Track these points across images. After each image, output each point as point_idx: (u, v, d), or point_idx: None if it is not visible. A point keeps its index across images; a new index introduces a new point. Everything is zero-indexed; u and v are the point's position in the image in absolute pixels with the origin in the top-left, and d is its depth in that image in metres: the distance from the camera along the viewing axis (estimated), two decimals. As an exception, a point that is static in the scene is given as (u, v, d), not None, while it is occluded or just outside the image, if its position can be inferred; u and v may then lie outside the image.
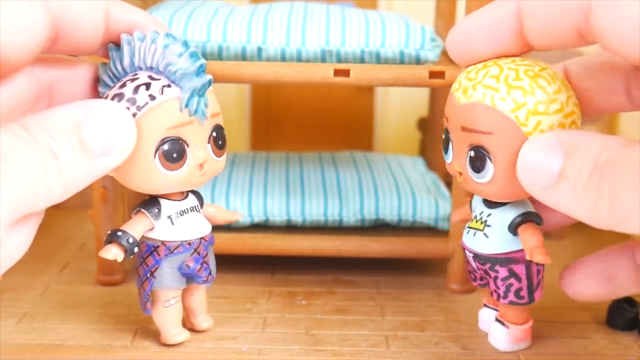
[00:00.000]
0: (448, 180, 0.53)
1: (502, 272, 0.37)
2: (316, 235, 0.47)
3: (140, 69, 0.34)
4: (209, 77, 0.35)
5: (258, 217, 0.49)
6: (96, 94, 0.35)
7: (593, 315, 0.43)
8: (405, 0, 0.68)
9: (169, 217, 0.37)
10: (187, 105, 0.34)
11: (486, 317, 0.41)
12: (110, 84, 0.35)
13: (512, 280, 0.37)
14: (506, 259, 0.37)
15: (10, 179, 0.26)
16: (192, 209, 0.38)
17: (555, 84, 0.33)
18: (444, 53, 0.48)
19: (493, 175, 0.33)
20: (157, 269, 0.37)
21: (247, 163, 0.54)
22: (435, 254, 0.47)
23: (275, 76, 0.43)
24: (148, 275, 0.37)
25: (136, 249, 0.36)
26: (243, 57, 0.44)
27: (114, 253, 0.35)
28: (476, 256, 0.37)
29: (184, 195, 0.38)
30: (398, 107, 0.72)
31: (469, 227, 0.38)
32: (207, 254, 0.38)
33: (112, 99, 0.33)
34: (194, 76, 0.34)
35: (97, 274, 0.46)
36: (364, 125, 0.73)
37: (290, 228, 0.49)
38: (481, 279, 0.39)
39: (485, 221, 0.37)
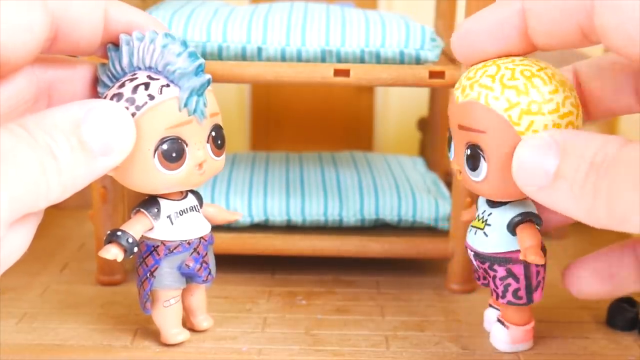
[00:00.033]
0: (448, 180, 0.53)
1: (500, 271, 0.37)
2: (316, 235, 0.47)
3: (139, 68, 0.34)
4: (208, 76, 0.35)
5: (258, 217, 0.49)
6: (95, 94, 0.35)
7: (593, 315, 0.43)
8: (405, 0, 0.68)
9: (169, 216, 0.37)
10: (186, 105, 0.34)
11: (490, 317, 0.41)
12: (109, 84, 0.35)
13: (510, 280, 0.37)
14: (504, 259, 0.37)
15: (10, 179, 0.26)
16: (192, 208, 0.38)
17: (552, 84, 0.33)
18: (444, 53, 0.48)
19: (487, 174, 0.33)
20: (156, 268, 0.37)
21: (247, 163, 0.54)
22: (435, 254, 0.47)
23: (275, 76, 0.43)
24: (148, 275, 0.37)
25: (136, 249, 0.36)
26: (243, 57, 0.44)
27: (113, 253, 0.36)
28: (476, 255, 0.37)
29: (183, 195, 0.38)
30: (398, 107, 0.72)
31: (471, 226, 0.38)
32: (206, 254, 0.38)
33: (111, 98, 0.33)
34: (193, 76, 0.34)
35: (97, 274, 0.46)
36: (364, 125, 0.73)
37: (290, 228, 0.49)
38: (484, 278, 0.39)
39: (486, 220, 0.37)
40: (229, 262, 0.46)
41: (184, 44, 0.34)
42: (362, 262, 0.49)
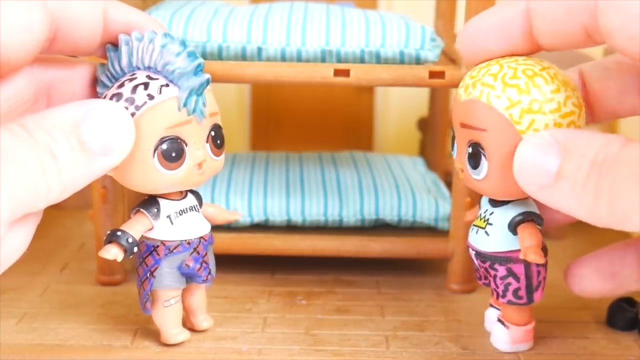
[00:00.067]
0: (448, 180, 0.53)
1: (501, 270, 0.37)
2: (316, 235, 0.47)
3: (139, 68, 0.34)
4: (207, 76, 0.35)
5: (258, 217, 0.49)
6: (95, 94, 0.35)
7: (593, 315, 0.43)
8: (405, 0, 0.68)
9: (168, 216, 0.37)
10: (185, 105, 0.34)
11: (491, 317, 0.41)
12: (109, 84, 0.35)
13: (510, 279, 0.37)
14: (505, 258, 0.37)
15: (10, 179, 0.26)
16: (191, 208, 0.38)
17: (554, 83, 0.33)
18: (444, 53, 0.48)
19: (487, 172, 0.34)
20: (156, 268, 0.37)
21: (247, 163, 0.54)
22: (435, 254, 0.47)
23: (275, 76, 0.43)
24: (148, 275, 0.37)
25: (136, 249, 0.36)
26: (243, 57, 0.44)
27: (113, 253, 0.35)
28: (478, 254, 0.38)
29: (183, 194, 0.38)
30: (398, 107, 0.72)
31: (473, 225, 0.38)
32: (206, 254, 0.38)
33: (111, 98, 0.33)
34: (192, 75, 0.34)
35: (97, 274, 0.46)
36: (364, 125, 0.73)
37: (290, 228, 0.49)
38: (485, 277, 0.39)
39: (488, 219, 0.37)
40: (229, 262, 0.46)
41: (183, 43, 0.34)
42: (362, 262, 0.49)
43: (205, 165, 0.36)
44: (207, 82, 0.35)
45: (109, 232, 0.36)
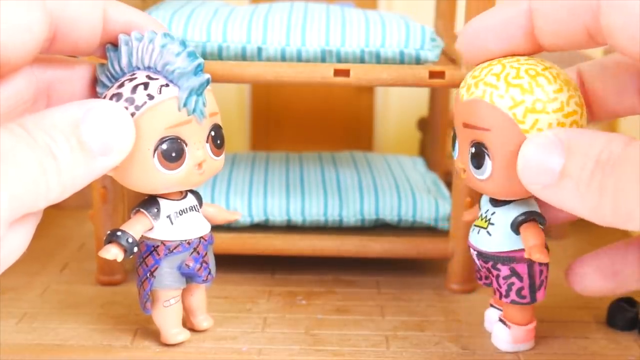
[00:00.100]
0: (448, 180, 0.53)
1: (504, 270, 0.37)
2: (316, 235, 0.47)
3: (138, 68, 0.34)
4: (207, 76, 0.35)
5: (258, 217, 0.49)
6: (94, 94, 0.35)
7: (593, 315, 0.43)
8: (405, 0, 0.68)
9: (168, 216, 0.37)
10: (185, 105, 0.34)
11: (492, 317, 0.41)
12: (108, 84, 0.35)
13: (513, 279, 0.37)
14: (508, 258, 0.37)
15: (10, 179, 0.26)
16: (191, 208, 0.38)
17: (557, 83, 0.33)
18: (444, 53, 0.48)
19: (491, 172, 0.33)
20: (156, 268, 0.37)
21: (247, 163, 0.54)
22: (435, 254, 0.47)
23: (275, 76, 0.42)
24: (148, 275, 0.37)
25: (136, 249, 0.36)
26: (243, 57, 0.44)
27: (113, 253, 0.36)
28: (480, 254, 0.38)
29: (183, 194, 0.38)
30: (398, 107, 0.72)
31: (474, 225, 0.38)
32: (206, 254, 0.38)
33: (111, 98, 0.33)
34: (192, 75, 0.34)
35: (97, 274, 0.46)
36: (364, 125, 0.73)
37: (290, 228, 0.49)
38: (486, 277, 0.39)
39: (489, 219, 0.37)
40: (229, 262, 0.46)
41: (183, 43, 0.34)
42: (362, 262, 0.49)
43: (205, 165, 0.36)
44: (207, 82, 0.35)
45: (109, 232, 0.36)
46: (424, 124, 0.66)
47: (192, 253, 0.37)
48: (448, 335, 0.41)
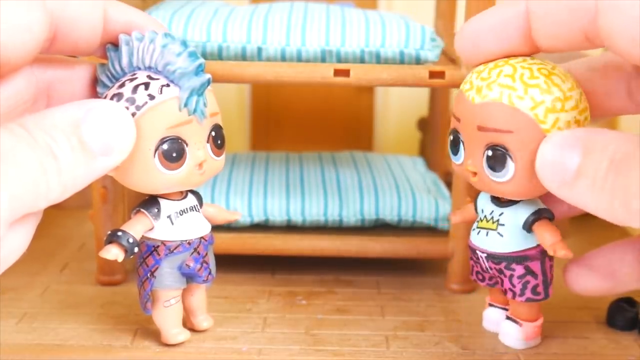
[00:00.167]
0: (448, 180, 0.53)
1: (519, 270, 0.37)
2: (316, 235, 0.47)
3: (139, 68, 0.34)
4: (208, 76, 0.35)
5: (258, 217, 0.49)
6: (94, 95, 0.35)
7: (593, 315, 0.43)
8: (405, 0, 0.68)
9: (169, 216, 0.37)
10: (186, 105, 0.34)
11: (492, 317, 0.41)
12: (109, 84, 0.35)
13: (528, 277, 0.37)
14: (523, 257, 0.37)
15: (10, 179, 0.26)
16: (192, 208, 0.38)
17: (569, 81, 0.33)
18: (444, 53, 0.48)
19: (514, 174, 0.33)
20: (157, 268, 0.37)
21: (247, 163, 0.54)
22: (435, 254, 0.47)
23: (275, 76, 0.42)
24: (148, 275, 0.37)
25: (136, 249, 0.36)
26: (243, 57, 0.44)
27: (114, 253, 0.36)
28: (490, 256, 0.37)
29: (183, 195, 0.38)
30: (398, 107, 0.72)
31: (479, 228, 0.38)
32: (206, 254, 0.38)
33: (111, 98, 0.33)
34: (193, 75, 0.34)
35: (97, 274, 0.46)
36: (364, 125, 0.73)
37: (290, 228, 0.49)
38: (490, 278, 0.39)
39: (498, 220, 0.37)
40: (229, 262, 0.46)
41: (184, 43, 0.34)
42: (362, 262, 0.49)
43: (205, 166, 0.36)
44: (208, 82, 0.35)
45: (109, 232, 0.36)
46: (424, 124, 0.66)
47: (192, 253, 0.37)
48: (448, 335, 0.41)
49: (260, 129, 0.73)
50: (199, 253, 0.38)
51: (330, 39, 0.44)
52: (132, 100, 0.33)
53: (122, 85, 0.34)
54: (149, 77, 0.34)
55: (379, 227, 0.50)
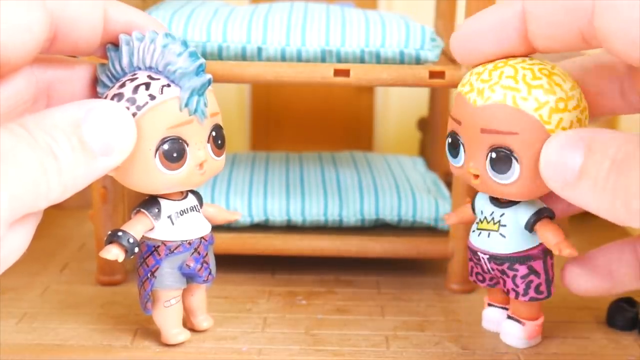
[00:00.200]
0: (448, 180, 0.53)
1: (522, 270, 0.37)
2: (316, 235, 0.47)
3: (139, 69, 0.34)
4: (209, 76, 0.35)
5: (258, 217, 0.49)
6: (95, 95, 0.35)
7: (593, 315, 0.43)
8: (405, 0, 0.68)
9: (169, 217, 0.37)
10: (186, 105, 0.34)
11: (492, 316, 0.41)
12: (109, 84, 0.35)
13: (532, 277, 0.37)
14: (526, 257, 0.37)
15: (10, 179, 0.26)
16: (192, 208, 0.38)
17: (569, 80, 0.33)
18: (444, 53, 0.48)
19: (519, 175, 0.33)
20: (157, 269, 0.37)
21: (247, 163, 0.54)
22: (435, 254, 0.47)
23: (275, 76, 0.43)
24: (148, 275, 0.37)
25: (137, 249, 0.36)
26: (243, 57, 0.44)
27: (114, 253, 0.36)
28: (492, 257, 0.37)
29: (183, 195, 0.38)
30: (398, 107, 0.72)
31: (479, 229, 0.38)
32: (207, 254, 0.38)
33: (112, 99, 0.33)
34: (194, 75, 0.34)
35: (97, 274, 0.46)
36: (364, 125, 0.73)
37: (290, 228, 0.49)
38: (491, 279, 0.39)
39: (499, 221, 0.37)
40: (229, 262, 0.46)
41: (185, 43, 0.34)
42: (362, 262, 0.49)
43: (206, 166, 0.36)
44: (209, 82, 0.35)
45: (109, 232, 0.36)
46: (424, 124, 0.66)
47: (192, 253, 0.37)
48: (448, 335, 0.41)
49: (260, 129, 0.73)
50: (199, 253, 0.38)
51: (330, 39, 0.44)
52: (132, 101, 0.33)
53: (123, 85, 0.34)
54: (150, 77, 0.34)
55: (379, 227, 0.50)
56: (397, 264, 0.49)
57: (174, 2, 0.48)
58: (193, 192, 0.39)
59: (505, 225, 0.37)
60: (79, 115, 0.29)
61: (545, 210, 0.36)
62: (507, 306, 0.40)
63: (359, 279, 0.48)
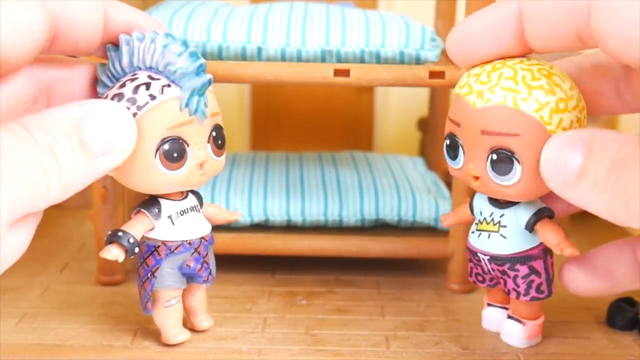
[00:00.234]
0: (448, 180, 0.53)
1: (523, 270, 0.37)
2: (316, 235, 0.47)
3: (140, 69, 0.34)
4: (209, 76, 0.35)
5: (258, 217, 0.49)
6: (95, 95, 0.35)
7: (593, 315, 0.43)
8: (405, 0, 0.68)
9: (169, 217, 0.37)
10: (187, 105, 0.34)
11: (491, 316, 0.41)
12: (109, 84, 0.35)
13: (532, 276, 0.37)
14: (526, 257, 0.37)
15: (10, 179, 0.26)
16: (192, 208, 0.38)
17: (568, 80, 0.33)
18: (444, 53, 0.48)
19: (520, 176, 0.33)
20: (157, 269, 0.37)
21: (247, 163, 0.54)
22: (435, 254, 0.47)
23: (275, 76, 0.42)
24: (149, 275, 0.37)
25: (137, 249, 0.36)
26: (243, 57, 0.44)
27: (114, 253, 0.36)
28: (493, 258, 0.37)
29: (183, 195, 0.38)
30: (398, 107, 0.72)
31: (479, 230, 0.38)
32: (207, 254, 0.38)
33: (112, 99, 0.33)
34: (194, 76, 0.34)
35: (97, 274, 0.46)
36: (364, 125, 0.73)
37: (290, 228, 0.49)
38: (491, 279, 0.39)
39: (499, 222, 0.37)
40: (229, 262, 0.46)
41: (185, 44, 0.34)
42: (362, 262, 0.49)
43: (206, 166, 0.36)
44: (209, 82, 0.35)
45: (110, 232, 0.36)
46: (424, 124, 0.66)
47: (193, 253, 0.37)
48: (448, 335, 0.41)
49: (260, 129, 0.73)
50: (199, 253, 0.38)
51: (330, 39, 0.44)
52: (133, 101, 0.33)
53: (123, 85, 0.34)
54: (150, 77, 0.34)
55: (379, 227, 0.50)
56: (397, 264, 0.49)
57: (174, 2, 0.48)
58: (193, 192, 0.39)
59: (505, 226, 0.37)
60: (79, 115, 0.29)
61: (545, 210, 0.36)
62: (506, 306, 0.40)
63: (359, 279, 0.48)
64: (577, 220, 0.53)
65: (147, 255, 0.37)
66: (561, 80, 0.33)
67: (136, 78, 0.34)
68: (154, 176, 0.34)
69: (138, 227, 0.36)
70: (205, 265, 0.38)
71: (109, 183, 0.44)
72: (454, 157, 0.36)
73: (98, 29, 0.33)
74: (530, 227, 0.36)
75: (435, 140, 0.60)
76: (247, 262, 0.48)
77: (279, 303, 0.44)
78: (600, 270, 0.37)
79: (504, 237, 0.37)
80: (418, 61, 0.45)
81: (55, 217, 0.57)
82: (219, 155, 0.36)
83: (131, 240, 0.36)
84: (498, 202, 0.37)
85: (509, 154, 0.33)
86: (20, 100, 0.33)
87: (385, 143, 0.73)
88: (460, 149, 0.35)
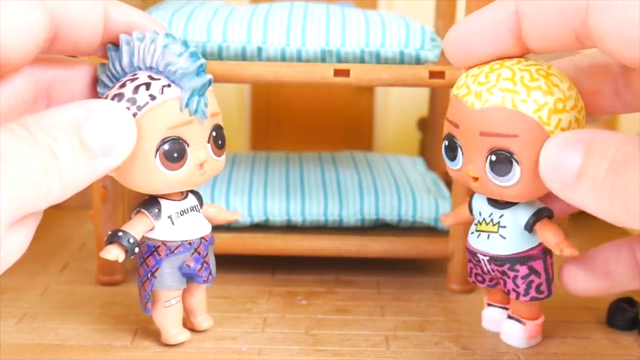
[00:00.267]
0: (448, 180, 0.53)
1: (523, 270, 0.37)
2: (316, 235, 0.47)
3: (140, 69, 0.34)
4: (209, 76, 0.35)
5: (258, 217, 0.49)
6: (95, 95, 0.35)
7: (593, 315, 0.43)
8: (405, 0, 0.68)
9: (169, 217, 0.37)
10: (187, 105, 0.34)
11: (491, 316, 0.41)
12: (109, 84, 0.35)
13: (532, 277, 0.37)
14: (526, 257, 0.37)
15: (10, 179, 0.26)
16: (192, 208, 0.38)
17: (566, 80, 0.33)
18: (444, 53, 0.48)
19: (520, 177, 0.33)
20: (157, 269, 0.37)
21: (247, 163, 0.54)
22: (435, 254, 0.47)
23: (275, 76, 0.42)
24: (149, 275, 0.37)
25: (137, 249, 0.36)
26: (243, 57, 0.44)
27: (115, 253, 0.36)
28: (492, 259, 0.37)
29: (183, 195, 0.38)
30: (398, 107, 0.72)
31: (478, 231, 0.38)
32: (207, 254, 0.38)
33: (112, 99, 0.33)
34: (194, 76, 0.34)
35: (97, 274, 0.46)
36: (364, 125, 0.73)
37: (290, 228, 0.49)
38: (490, 280, 0.39)
39: (498, 222, 0.37)
40: (229, 262, 0.46)
41: (185, 44, 0.34)
42: (362, 262, 0.49)
43: (206, 166, 0.36)
44: (209, 82, 0.35)
45: (110, 232, 0.36)
46: (424, 124, 0.66)
47: (193, 253, 0.37)
48: (448, 335, 0.41)
49: (260, 129, 0.73)
50: (199, 253, 0.38)
51: (330, 39, 0.44)
52: (133, 101, 0.33)
53: (123, 85, 0.34)
54: (150, 77, 0.34)
55: (379, 227, 0.50)
56: (397, 264, 0.49)
57: (174, 2, 0.48)
58: (193, 192, 0.39)
59: (504, 227, 0.37)
60: (80, 115, 0.29)
61: (544, 210, 0.36)
62: (506, 306, 0.40)
63: (359, 279, 0.48)
64: (576, 220, 0.53)
65: (147, 255, 0.37)
66: (559, 81, 0.33)
67: (136, 78, 0.34)
68: (154, 176, 0.34)
69: (138, 227, 0.36)
70: (205, 265, 0.38)
71: (109, 183, 0.44)
72: (452, 158, 0.36)
73: (98, 29, 0.33)
74: (530, 227, 0.36)
75: (435, 140, 0.60)
76: (247, 262, 0.48)
77: (279, 303, 0.44)
78: (600, 270, 0.37)
79: (504, 238, 0.37)
80: (418, 61, 0.45)
81: (55, 217, 0.57)
82: (219, 156, 0.36)
83: (131, 241, 0.36)
84: (497, 203, 0.37)
85: (508, 154, 0.33)
86: (20, 100, 0.33)
87: (385, 143, 0.73)
88: (459, 150, 0.35)
